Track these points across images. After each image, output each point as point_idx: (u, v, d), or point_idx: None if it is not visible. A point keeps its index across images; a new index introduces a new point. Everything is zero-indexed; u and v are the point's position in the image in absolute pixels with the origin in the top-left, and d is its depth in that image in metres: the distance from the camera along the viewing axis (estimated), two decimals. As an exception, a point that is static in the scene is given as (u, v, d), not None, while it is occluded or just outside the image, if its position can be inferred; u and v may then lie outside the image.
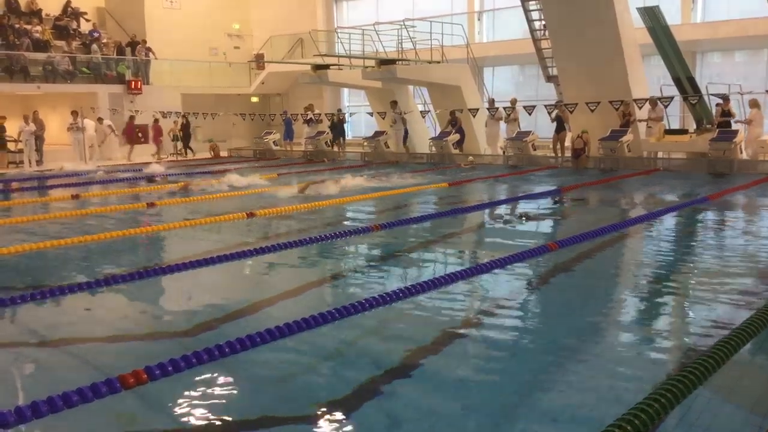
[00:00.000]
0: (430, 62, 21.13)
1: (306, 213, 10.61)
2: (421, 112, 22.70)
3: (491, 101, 20.15)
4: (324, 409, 3.68)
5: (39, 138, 20.95)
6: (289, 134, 25.03)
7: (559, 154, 18.50)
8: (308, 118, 23.99)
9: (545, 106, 18.13)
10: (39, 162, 20.80)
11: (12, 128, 20.90)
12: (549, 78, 20.40)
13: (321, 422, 3.56)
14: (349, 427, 3.54)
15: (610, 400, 3.73)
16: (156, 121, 23.83)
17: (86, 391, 3.69)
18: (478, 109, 19.65)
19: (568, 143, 18.40)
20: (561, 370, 4.23)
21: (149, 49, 25.62)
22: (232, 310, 5.65)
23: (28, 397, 3.71)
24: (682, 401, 3.40)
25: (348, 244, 8.29)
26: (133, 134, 23.58)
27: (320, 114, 24.38)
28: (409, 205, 11.61)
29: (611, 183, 14.18)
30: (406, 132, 21.45)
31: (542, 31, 19.63)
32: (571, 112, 17.31)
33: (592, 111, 16.67)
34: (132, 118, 23.57)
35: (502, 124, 19.86)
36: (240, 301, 6.04)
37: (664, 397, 3.30)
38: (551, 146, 19.12)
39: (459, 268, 6.59)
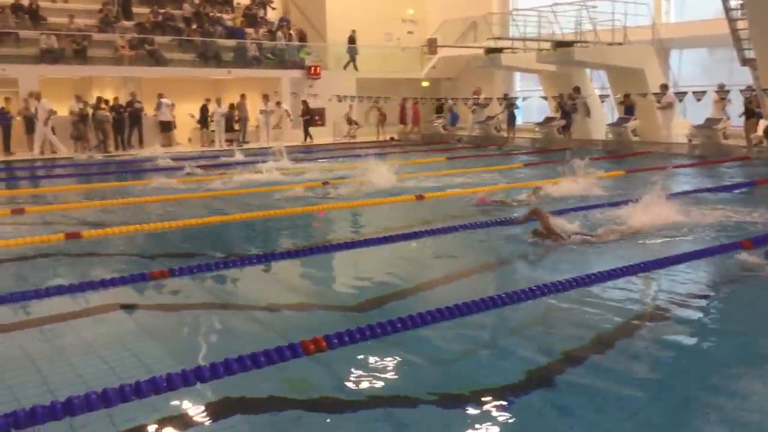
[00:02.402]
0: (610, 44, 20.13)
1: (472, 197, 10.51)
2: (600, 96, 21.74)
3: (662, 86, 18.82)
4: (490, 393, 3.64)
5: (243, 120, 23.20)
6: (453, 119, 25.17)
7: (754, 143, 16.91)
8: (478, 102, 23.88)
9: (741, 91, 16.63)
10: (244, 142, 22.90)
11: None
12: (745, 61, 18.65)
13: (488, 405, 3.52)
14: (517, 413, 3.48)
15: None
16: (416, 103, 25.47)
17: (272, 354, 3.93)
18: (663, 94, 18.44)
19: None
20: (740, 381, 3.85)
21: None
22: (399, 289, 5.76)
23: (211, 357, 4.01)
24: None
25: (515, 230, 8.12)
26: (404, 114, 25.72)
27: (490, 98, 24.15)
28: (584, 192, 11.11)
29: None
30: (570, 117, 20.67)
31: (739, 11, 17.95)
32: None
33: (796, 97, 15.04)
34: (404, 100, 25.63)
35: (676, 110, 18.60)
36: (406, 280, 6.15)
37: None
38: (744, 135, 17.53)
39: (637, 260, 6.24)
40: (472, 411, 3.48)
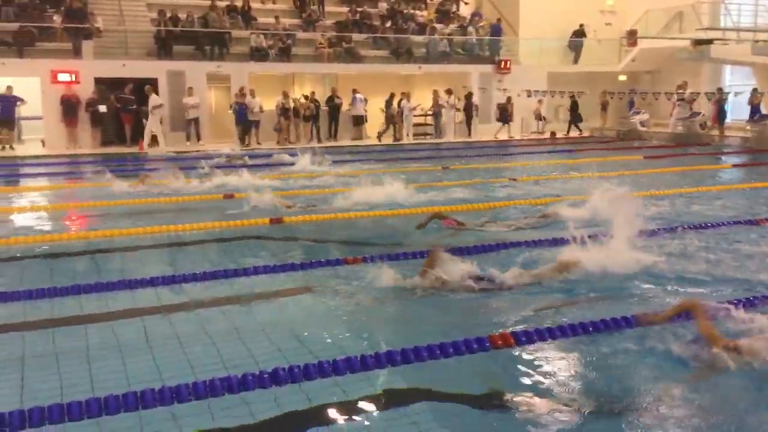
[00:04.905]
0: (843, 33, 17.86)
1: (668, 199, 9.79)
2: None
3: None
4: (670, 409, 3.45)
5: (436, 115, 23.52)
6: None
7: None
8: (683, 98, 22.29)
9: None
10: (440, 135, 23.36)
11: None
12: None
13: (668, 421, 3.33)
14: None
15: None
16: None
17: (460, 345, 3.96)
18: None
19: None
20: None
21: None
22: (585, 291, 5.51)
23: (396, 343, 4.12)
24: None
25: (726, 236, 7.45)
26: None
27: (697, 93, 22.41)
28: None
29: None
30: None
31: None
32: None
33: None
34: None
35: None
36: (590, 282, 5.84)
37: None
38: None
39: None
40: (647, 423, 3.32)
